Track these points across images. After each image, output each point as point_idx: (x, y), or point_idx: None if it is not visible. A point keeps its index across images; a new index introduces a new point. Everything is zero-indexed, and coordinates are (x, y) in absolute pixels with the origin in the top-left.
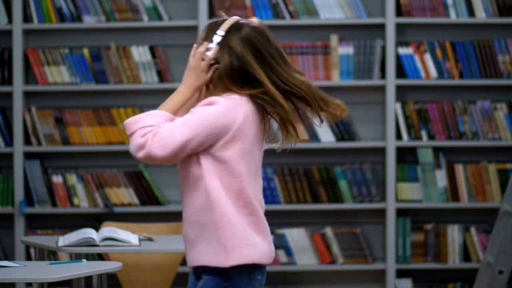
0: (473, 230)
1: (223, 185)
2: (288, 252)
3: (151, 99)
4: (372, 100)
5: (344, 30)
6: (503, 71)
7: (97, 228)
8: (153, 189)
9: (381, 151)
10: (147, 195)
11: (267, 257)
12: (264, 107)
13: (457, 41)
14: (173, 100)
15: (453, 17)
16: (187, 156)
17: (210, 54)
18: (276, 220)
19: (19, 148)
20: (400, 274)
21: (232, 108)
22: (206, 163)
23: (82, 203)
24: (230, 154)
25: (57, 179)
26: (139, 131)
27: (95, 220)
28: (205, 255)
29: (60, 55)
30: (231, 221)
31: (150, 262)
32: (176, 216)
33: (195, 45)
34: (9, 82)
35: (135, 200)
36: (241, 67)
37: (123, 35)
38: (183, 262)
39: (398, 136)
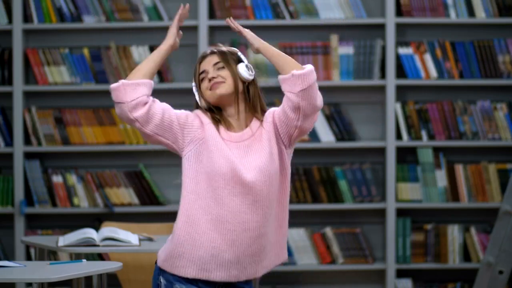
0: (473, 230)
1: None
2: (288, 252)
3: None
4: (372, 100)
5: (344, 30)
6: (503, 71)
7: (97, 228)
8: (153, 189)
9: (381, 151)
10: (147, 195)
11: None
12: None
13: (457, 41)
14: None
15: (453, 17)
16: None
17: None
18: None
19: (19, 148)
20: (400, 274)
21: None
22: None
23: (82, 203)
24: None
25: (57, 179)
26: None
27: (95, 220)
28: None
29: (60, 55)
30: None
31: (150, 262)
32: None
33: None
34: (9, 82)
35: (135, 200)
36: None
37: (123, 35)
38: None
39: (398, 136)
